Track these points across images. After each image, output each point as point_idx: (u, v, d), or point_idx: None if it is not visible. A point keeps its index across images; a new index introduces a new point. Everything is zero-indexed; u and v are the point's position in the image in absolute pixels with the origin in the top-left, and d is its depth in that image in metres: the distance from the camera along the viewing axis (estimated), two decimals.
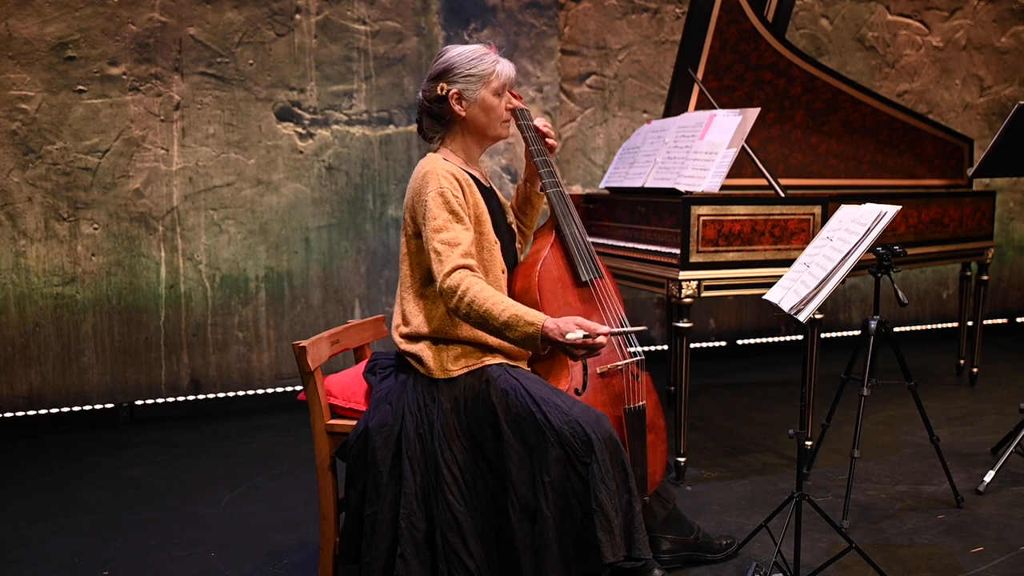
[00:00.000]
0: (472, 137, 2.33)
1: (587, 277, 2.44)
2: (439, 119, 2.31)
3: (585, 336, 2.04)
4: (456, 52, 2.28)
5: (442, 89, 2.26)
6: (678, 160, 3.44)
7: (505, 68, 2.29)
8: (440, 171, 2.20)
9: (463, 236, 2.15)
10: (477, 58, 2.26)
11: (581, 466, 2.03)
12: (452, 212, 2.16)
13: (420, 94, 2.33)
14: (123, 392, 4.24)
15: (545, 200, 2.56)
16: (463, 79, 2.25)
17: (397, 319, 2.29)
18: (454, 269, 2.10)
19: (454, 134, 2.32)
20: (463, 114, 2.27)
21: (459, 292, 2.08)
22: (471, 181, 2.26)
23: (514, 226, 2.51)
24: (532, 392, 2.11)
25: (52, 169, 4.04)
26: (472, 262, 2.14)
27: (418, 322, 2.22)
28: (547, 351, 2.13)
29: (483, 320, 2.09)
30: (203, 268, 4.31)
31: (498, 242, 2.30)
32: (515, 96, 2.42)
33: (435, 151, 2.34)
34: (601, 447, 2.03)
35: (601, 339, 2.05)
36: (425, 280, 2.26)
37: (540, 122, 2.47)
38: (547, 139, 2.48)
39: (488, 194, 2.36)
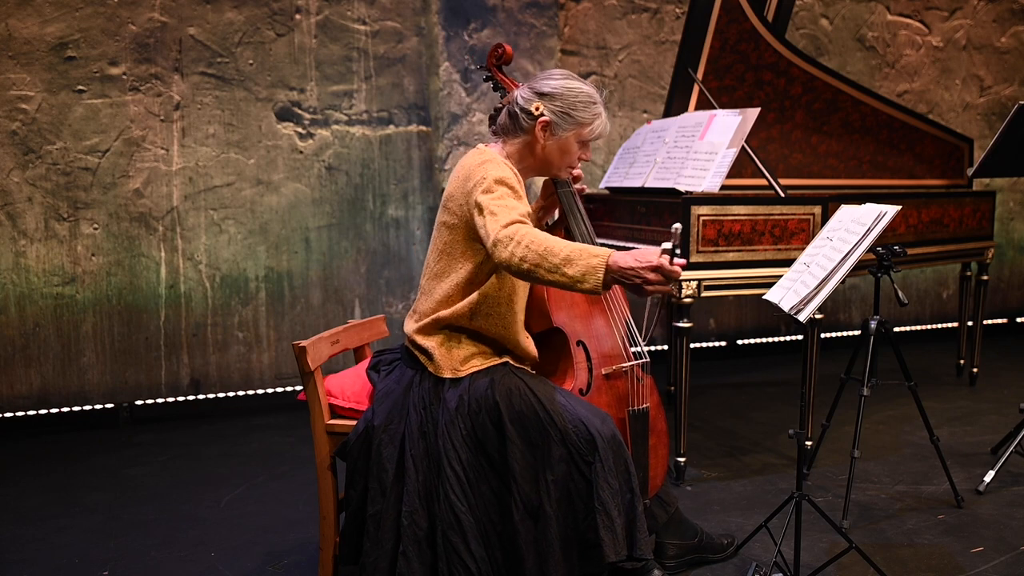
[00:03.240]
0: (533, 162, 2.27)
1: None
2: (518, 125, 2.24)
3: (664, 251, 1.86)
4: (570, 85, 2.20)
5: (537, 108, 2.19)
6: (678, 160, 3.44)
7: (602, 126, 2.23)
8: (501, 163, 2.16)
9: (521, 206, 2.08)
10: (584, 103, 2.20)
11: (584, 465, 2.03)
12: (512, 190, 2.10)
13: (516, 92, 2.26)
14: (123, 392, 4.24)
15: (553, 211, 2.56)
16: (560, 114, 2.19)
17: (420, 309, 2.26)
18: (512, 222, 2.00)
19: (520, 147, 2.26)
20: (541, 142, 2.22)
21: (516, 237, 1.96)
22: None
23: None
24: (536, 391, 2.12)
25: (52, 169, 4.04)
26: (530, 223, 2.06)
27: (444, 315, 2.20)
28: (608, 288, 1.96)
29: (541, 257, 1.91)
30: (203, 268, 4.31)
31: None
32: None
33: (489, 144, 2.30)
34: (604, 446, 2.03)
35: (677, 269, 1.89)
36: (463, 279, 2.20)
37: None
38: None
39: None
